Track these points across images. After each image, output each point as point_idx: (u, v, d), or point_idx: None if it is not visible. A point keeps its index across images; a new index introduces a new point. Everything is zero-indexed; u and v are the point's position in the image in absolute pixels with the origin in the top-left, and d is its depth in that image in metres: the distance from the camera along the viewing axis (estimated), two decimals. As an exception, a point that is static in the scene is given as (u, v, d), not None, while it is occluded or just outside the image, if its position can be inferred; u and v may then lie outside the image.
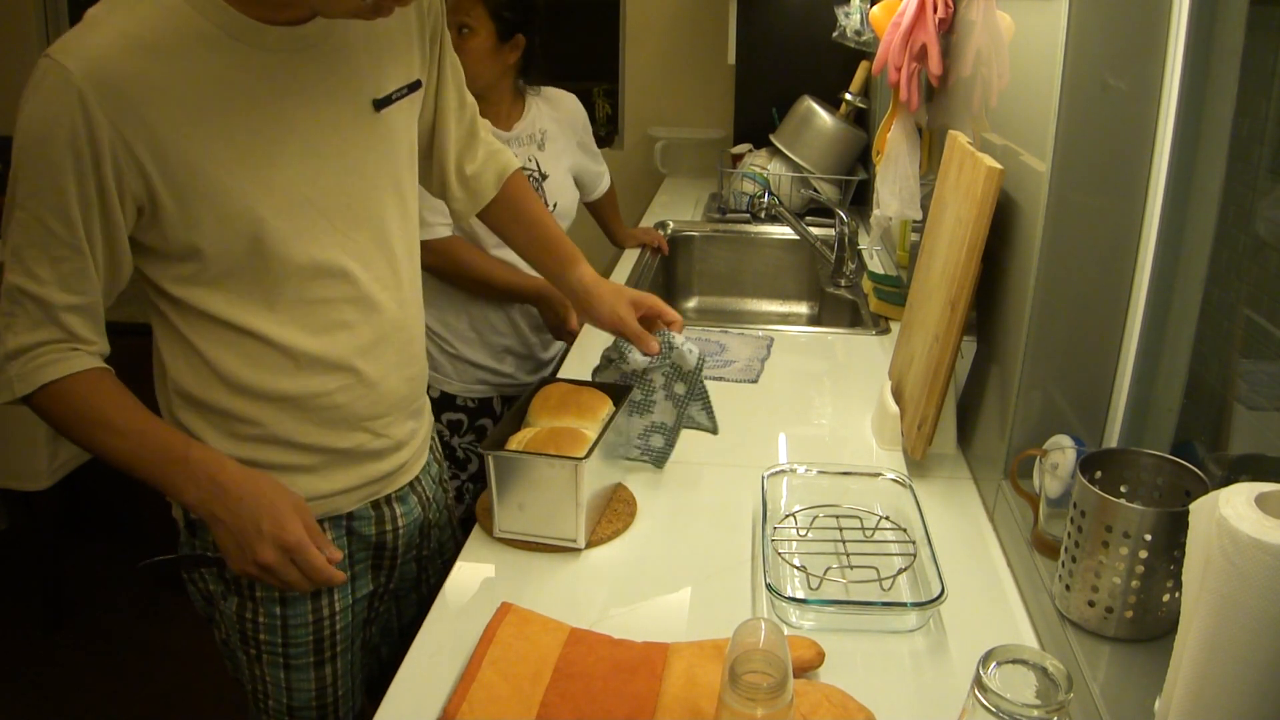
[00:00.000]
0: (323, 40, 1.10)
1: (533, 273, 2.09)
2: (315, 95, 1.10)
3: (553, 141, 2.07)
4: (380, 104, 1.16)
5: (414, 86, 1.22)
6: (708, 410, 1.43)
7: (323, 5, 1.02)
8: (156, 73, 0.99)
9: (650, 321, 1.42)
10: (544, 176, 2.04)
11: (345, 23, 1.11)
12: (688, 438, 1.47)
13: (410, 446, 1.29)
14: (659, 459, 1.40)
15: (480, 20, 1.87)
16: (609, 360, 1.42)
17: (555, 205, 2.04)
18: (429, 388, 1.83)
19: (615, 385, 1.36)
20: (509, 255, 2.03)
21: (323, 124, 1.11)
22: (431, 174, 1.38)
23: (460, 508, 1.94)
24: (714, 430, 1.44)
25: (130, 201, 1.03)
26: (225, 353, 1.12)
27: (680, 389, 1.40)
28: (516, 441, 1.24)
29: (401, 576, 1.37)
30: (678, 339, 1.39)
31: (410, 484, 1.31)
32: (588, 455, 1.17)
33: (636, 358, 1.37)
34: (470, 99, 1.38)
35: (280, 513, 1.05)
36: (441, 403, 2.03)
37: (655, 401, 1.40)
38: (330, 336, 1.15)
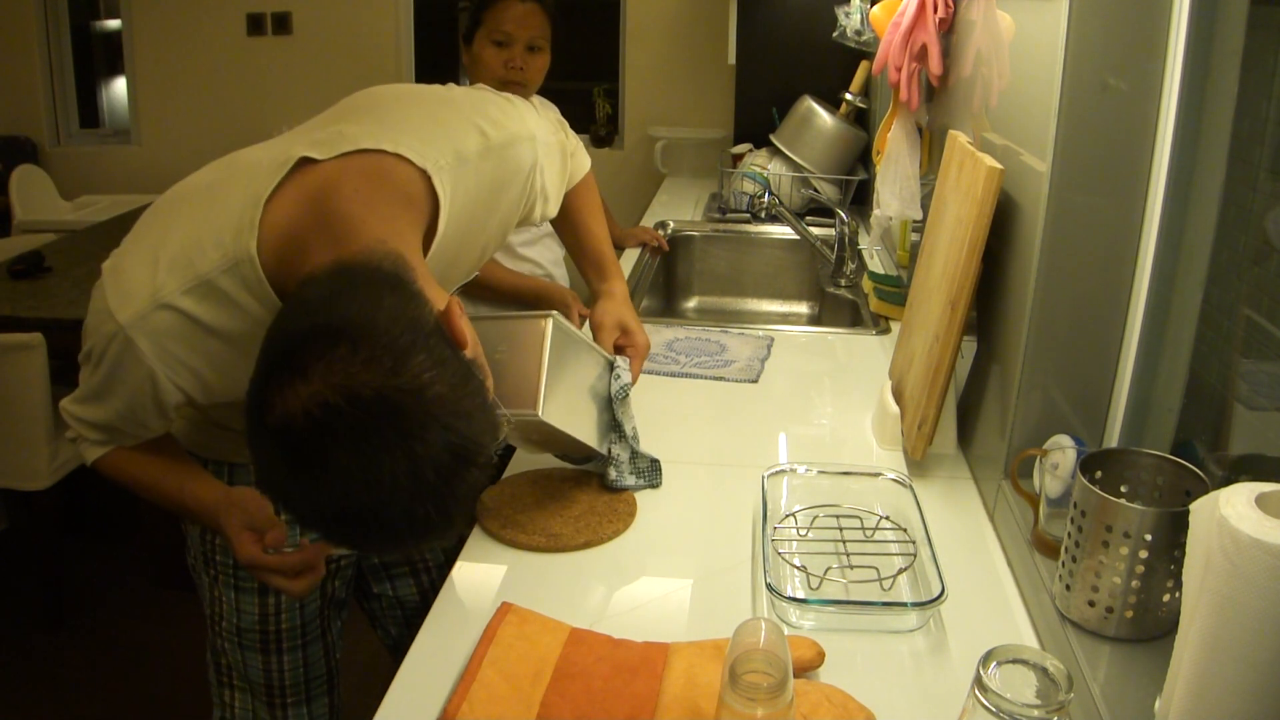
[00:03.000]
0: None
1: (533, 274, 2.10)
2: None
3: None
4: None
5: None
6: (635, 463, 1.35)
7: None
8: (219, 349, 1.06)
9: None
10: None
11: None
12: (688, 438, 1.47)
13: None
14: (652, 476, 1.37)
15: (547, 39, 1.96)
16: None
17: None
18: None
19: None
20: (505, 259, 2.03)
21: None
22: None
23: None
24: (643, 486, 1.36)
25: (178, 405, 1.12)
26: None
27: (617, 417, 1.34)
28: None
29: (390, 562, 1.44)
30: (622, 368, 1.33)
31: None
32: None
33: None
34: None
35: (226, 539, 1.14)
36: None
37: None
38: None
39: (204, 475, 1.22)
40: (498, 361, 1.13)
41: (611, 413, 1.33)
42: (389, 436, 0.77)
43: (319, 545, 1.11)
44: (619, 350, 1.40)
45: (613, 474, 1.32)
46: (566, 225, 1.49)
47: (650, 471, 1.36)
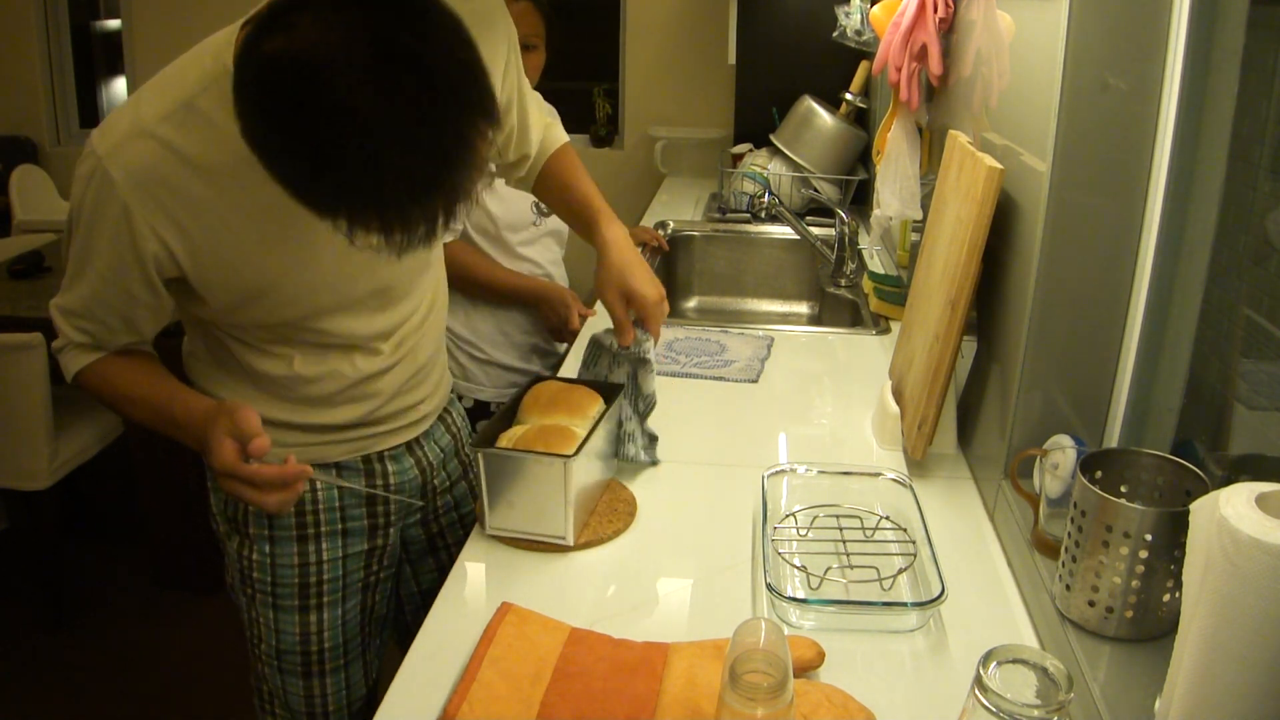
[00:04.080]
0: None
1: (533, 274, 2.09)
2: None
3: None
4: None
5: None
6: (647, 436, 1.40)
7: None
8: (199, 190, 1.05)
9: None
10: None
11: None
12: (688, 438, 1.47)
13: (411, 414, 1.34)
14: (649, 451, 1.40)
15: (541, 38, 1.96)
16: (599, 345, 1.41)
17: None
18: (461, 397, 1.88)
19: (606, 384, 1.36)
20: (504, 258, 2.04)
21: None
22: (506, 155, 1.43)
23: None
24: (650, 462, 1.41)
25: (164, 275, 1.11)
26: (240, 354, 1.21)
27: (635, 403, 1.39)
28: (506, 439, 1.24)
29: (409, 540, 1.42)
30: (649, 350, 1.36)
31: (407, 445, 1.36)
32: (576, 453, 1.17)
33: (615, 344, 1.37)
34: (533, 93, 1.44)
35: (207, 444, 1.07)
36: (476, 412, 2.05)
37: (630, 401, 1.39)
38: (338, 379, 1.24)
39: (196, 391, 1.20)
40: (523, 495, 1.19)
41: (633, 411, 1.39)
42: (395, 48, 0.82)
43: (300, 466, 1.07)
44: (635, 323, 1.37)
45: (632, 450, 1.39)
46: (552, 188, 1.45)
47: (650, 448, 1.40)
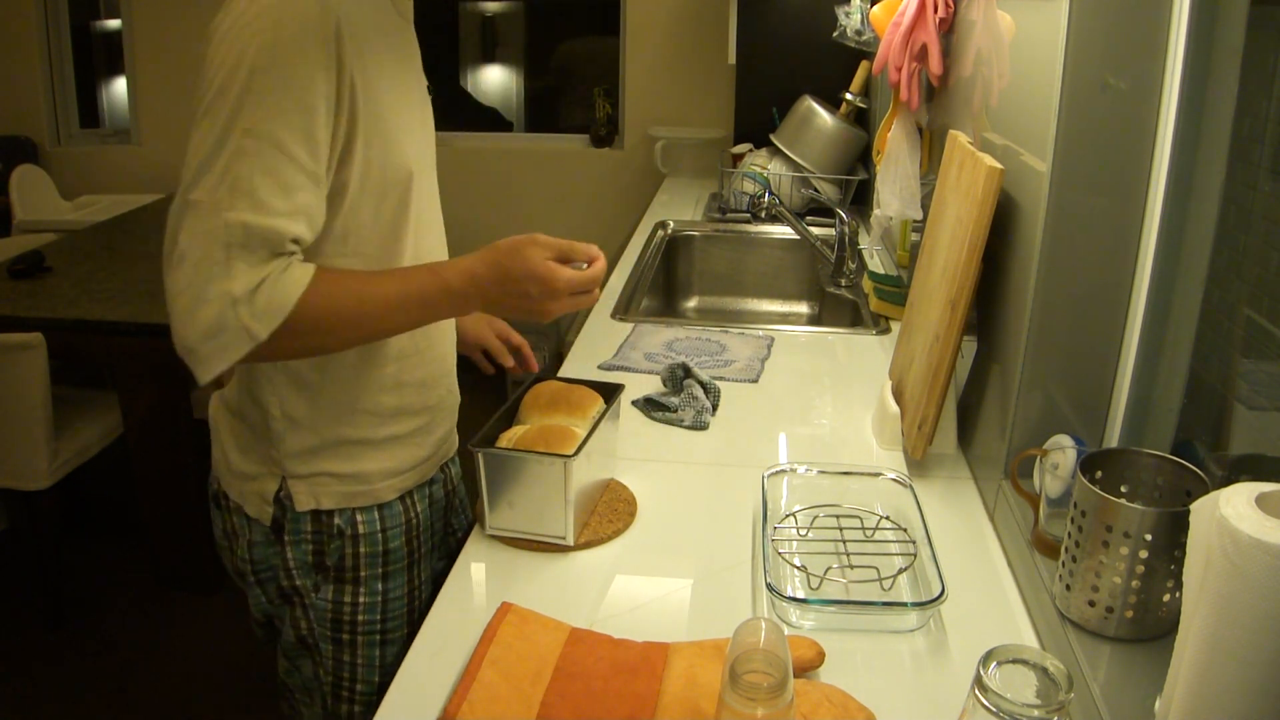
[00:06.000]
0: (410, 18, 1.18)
1: None
2: (416, 69, 1.19)
3: None
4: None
5: None
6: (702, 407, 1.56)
7: None
8: (359, 16, 1.01)
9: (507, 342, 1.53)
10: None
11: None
12: (688, 438, 1.47)
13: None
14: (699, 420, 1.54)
15: None
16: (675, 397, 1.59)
17: None
18: None
19: (606, 384, 1.36)
20: None
21: (425, 97, 1.21)
22: None
23: None
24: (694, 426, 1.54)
25: (340, 137, 1.01)
26: None
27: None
28: (506, 439, 1.24)
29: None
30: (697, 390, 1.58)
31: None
32: (576, 453, 1.17)
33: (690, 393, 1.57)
34: None
35: (539, 274, 1.05)
36: None
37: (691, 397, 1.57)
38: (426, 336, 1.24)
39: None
40: (523, 495, 1.19)
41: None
42: None
43: (601, 264, 1.11)
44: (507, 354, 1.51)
45: (691, 416, 1.53)
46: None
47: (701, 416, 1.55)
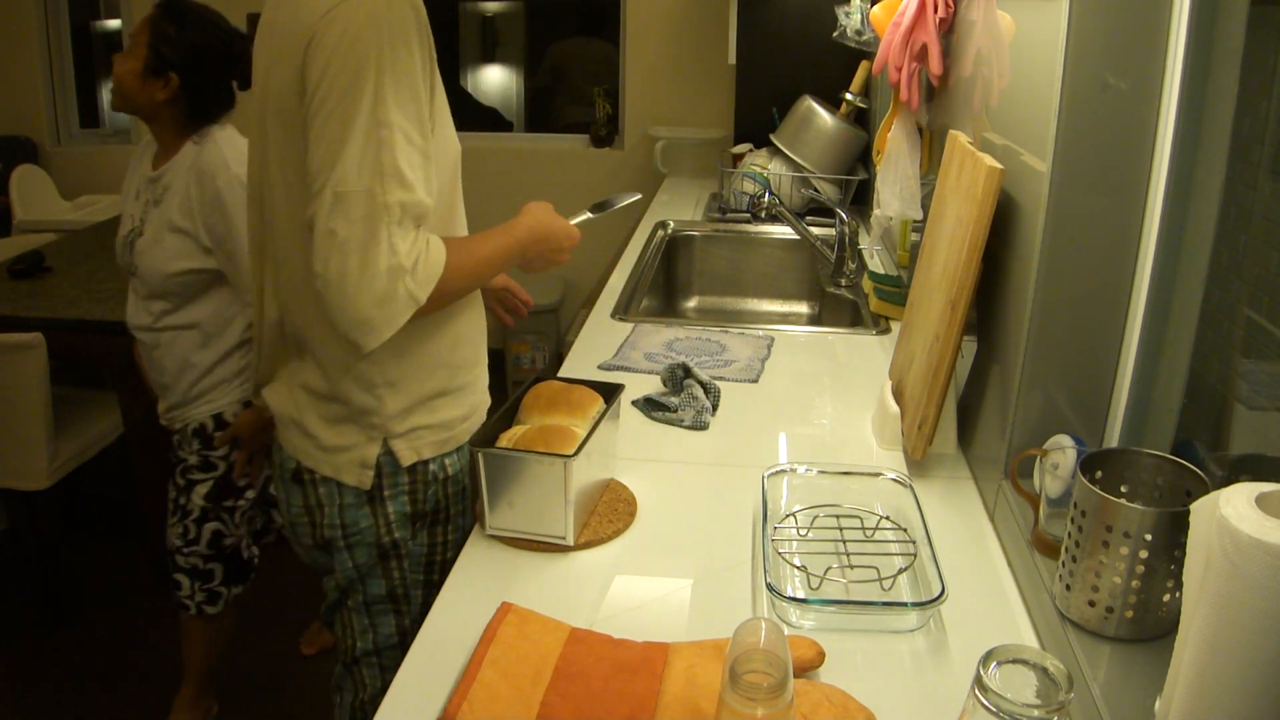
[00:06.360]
0: None
1: None
2: None
3: (170, 199, 1.89)
4: None
5: None
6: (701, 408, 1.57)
7: None
8: (425, 38, 1.18)
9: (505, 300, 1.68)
10: (140, 234, 1.92)
11: None
12: (688, 438, 1.47)
13: None
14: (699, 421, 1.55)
15: (140, 44, 1.85)
16: (675, 396, 1.60)
17: (138, 269, 1.93)
18: None
19: (606, 384, 1.36)
20: None
21: None
22: None
23: None
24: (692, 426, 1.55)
25: (427, 116, 1.19)
26: None
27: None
28: (507, 439, 1.24)
29: None
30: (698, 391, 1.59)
31: None
32: (576, 453, 1.17)
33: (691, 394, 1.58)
34: None
35: (568, 231, 1.40)
36: None
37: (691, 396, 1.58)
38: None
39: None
40: (524, 495, 1.20)
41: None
42: None
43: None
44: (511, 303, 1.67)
45: (691, 416, 1.54)
46: None
47: (700, 416, 1.55)
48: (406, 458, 1.31)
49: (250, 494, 2.12)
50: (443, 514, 1.39)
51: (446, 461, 1.36)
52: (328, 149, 1.09)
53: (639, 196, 1.63)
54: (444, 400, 1.33)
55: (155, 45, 1.84)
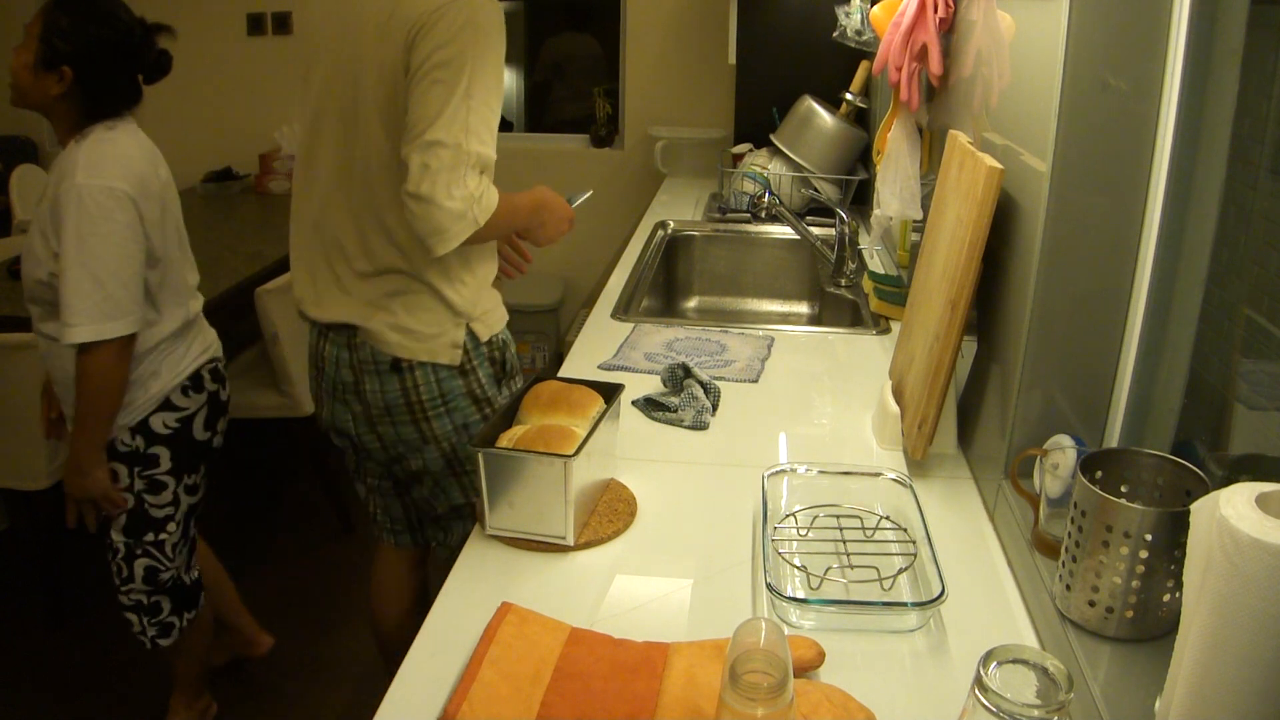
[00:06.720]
0: None
1: None
2: None
3: (43, 201, 1.78)
4: None
5: None
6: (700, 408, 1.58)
7: None
8: None
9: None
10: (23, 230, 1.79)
11: None
12: (688, 438, 1.47)
13: None
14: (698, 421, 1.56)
15: (33, 36, 1.74)
16: (675, 397, 1.61)
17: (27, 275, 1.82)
18: None
19: (606, 384, 1.36)
20: None
21: None
22: None
23: None
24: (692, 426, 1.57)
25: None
26: None
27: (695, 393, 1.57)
28: (507, 439, 1.24)
29: None
30: (697, 390, 1.60)
31: None
32: (576, 453, 1.17)
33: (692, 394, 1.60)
34: None
35: (565, 209, 1.81)
36: None
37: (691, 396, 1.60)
38: None
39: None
40: (524, 495, 1.21)
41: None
42: None
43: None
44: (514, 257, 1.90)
45: (691, 416, 1.56)
46: None
47: (701, 416, 1.57)
48: (483, 334, 1.69)
49: (172, 527, 1.94)
50: (513, 370, 1.81)
51: (505, 333, 1.78)
52: (431, 107, 1.45)
53: (591, 192, 1.96)
54: (493, 292, 1.74)
55: (47, 38, 1.73)
